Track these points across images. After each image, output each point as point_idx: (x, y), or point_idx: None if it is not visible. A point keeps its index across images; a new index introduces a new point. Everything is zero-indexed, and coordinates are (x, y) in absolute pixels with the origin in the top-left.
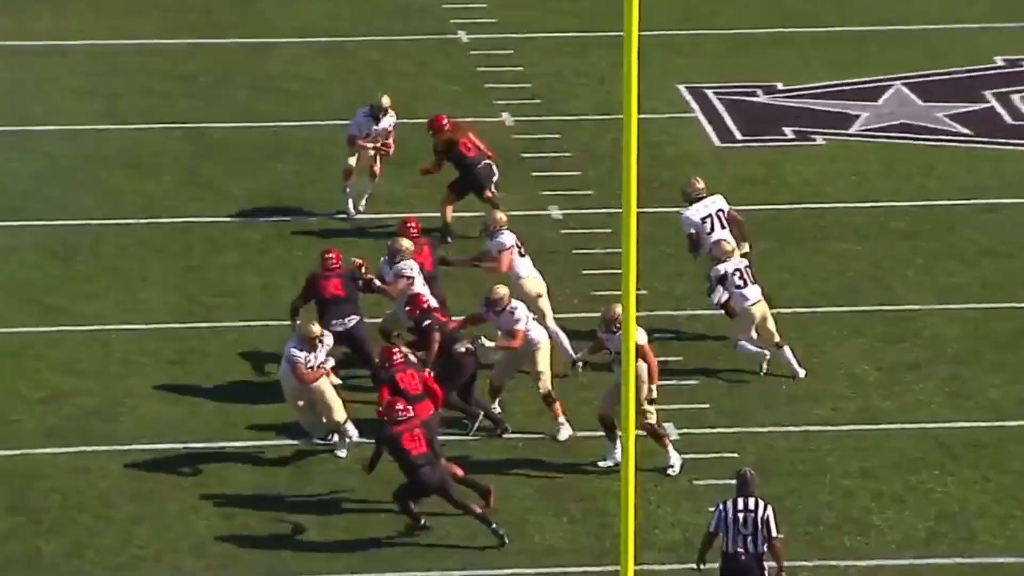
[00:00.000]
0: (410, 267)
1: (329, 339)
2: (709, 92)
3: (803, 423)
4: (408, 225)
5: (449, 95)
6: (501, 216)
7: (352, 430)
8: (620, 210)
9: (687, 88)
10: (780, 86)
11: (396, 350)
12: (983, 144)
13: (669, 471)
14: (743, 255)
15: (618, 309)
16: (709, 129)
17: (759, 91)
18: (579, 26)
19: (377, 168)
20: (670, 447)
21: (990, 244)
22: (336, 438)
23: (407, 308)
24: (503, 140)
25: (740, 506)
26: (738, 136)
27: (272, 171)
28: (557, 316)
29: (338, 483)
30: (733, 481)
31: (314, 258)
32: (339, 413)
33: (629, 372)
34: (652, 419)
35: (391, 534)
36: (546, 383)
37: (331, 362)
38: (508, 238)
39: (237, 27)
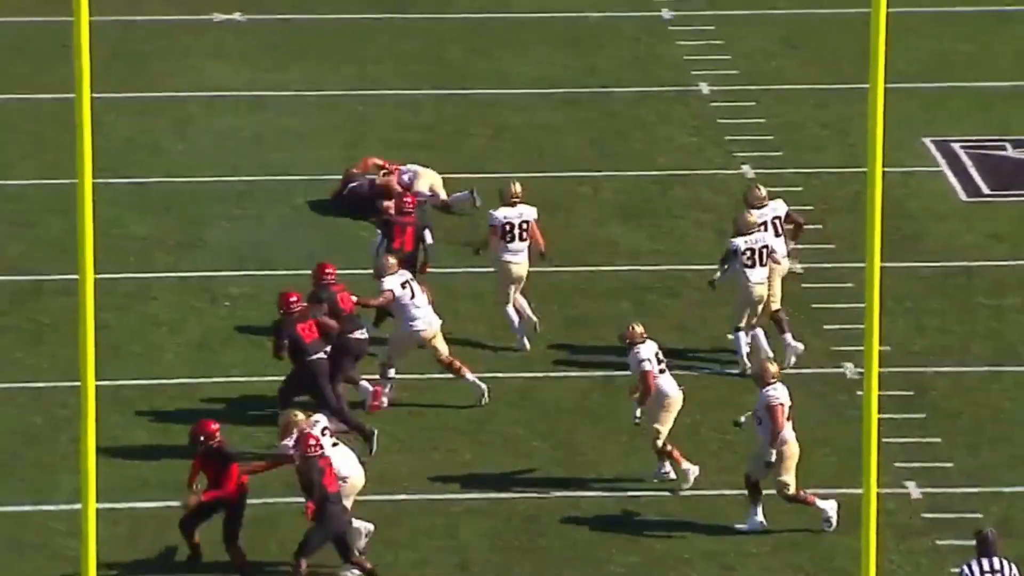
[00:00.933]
0: (389, 281)
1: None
2: (956, 146)
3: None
4: (325, 271)
5: (688, 146)
6: (516, 187)
7: None
8: (863, 264)
9: (933, 142)
10: None
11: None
12: None
13: (824, 526)
14: (788, 254)
15: (766, 365)
16: (955, 183)
17: (1009, 145)
18: (822, 77)
19: None
20: (819, 502)
21: None
22: None
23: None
24: (743, 192)
25: (986, 567)
26: (985, 191)
27: None
28: (803, 370)
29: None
30: (974, 542)
31: (553, 311)
32: None
33: (871, 427)
34: (790, 491)
35: None
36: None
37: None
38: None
39: (477, 77)
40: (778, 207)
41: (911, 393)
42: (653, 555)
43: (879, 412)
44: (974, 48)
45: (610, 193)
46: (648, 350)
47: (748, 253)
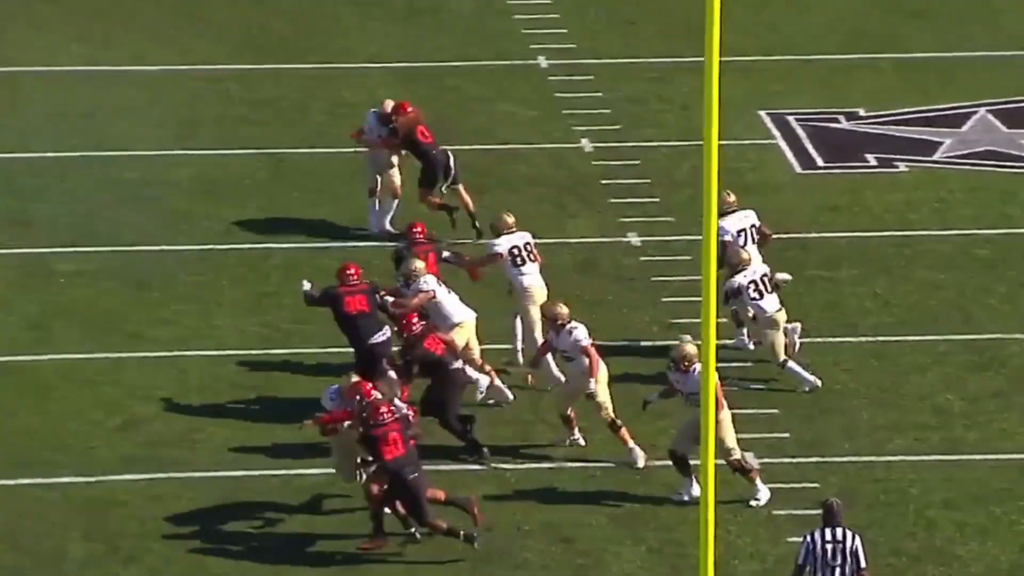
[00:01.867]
0: (427, 282)
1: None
2: (791, 119)
3: (886, 453)
4: (414, 230)
5: (527, 120)
6: (508, 218)
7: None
8: (700, 237)
9: (768, 115)
10: (862, 112)
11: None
12: None
13: (753, 503)
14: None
15: (688, 348)
16: (790, 155)
17: (841, 117)
18: (660, 52)
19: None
20: (758, 480)
21: None
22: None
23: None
24: (582, 166)
25: (828, 537)
26: (819, 163)
27: (350, 197)
28: (639, 342)
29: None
30: (813, 511)
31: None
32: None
33: (709, 400)
34: (737, 455)
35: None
36: (609, 411)
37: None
38: (504, 244)
39: (315, 52)
40: (750, 215)
41: (748, 364)
42: (491, 525)
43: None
44: (809, 23)
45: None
46: (582, 331)
47: (752, 286)
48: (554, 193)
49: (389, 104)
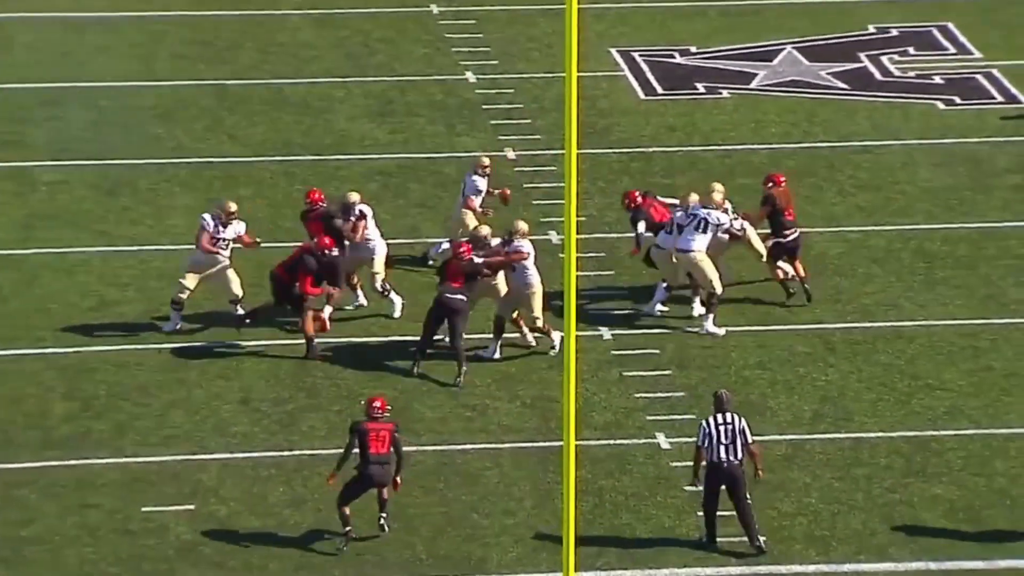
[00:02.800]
0: (524, 245)
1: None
2: (636, 55)
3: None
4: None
5: (423, 57)
6: (523, 225)
7: (396, 299)
8: (563, 151)
9: (618, 51)
10: (693, 49)
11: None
12: (858, 97)
13: (551, 352)
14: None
15: (520, 224)
16: (635, 85)
17: (676, 54)
18: (529, 1)
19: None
20: (552, 332)
21: (865, 179)
22: (240, 310)
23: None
24: (468, 95)
25: (720, 420)
26: (659, 91)
27: (278, 121)
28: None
29: (334, 373)
30: (656, 372)
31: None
32: (236, 288)
33: (570, 286)
34: (540, 323)
35: None
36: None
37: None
38: (528, 245)
39: (248, 2)
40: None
41: (603, 254)
42: (398, 388)
43: (577, 284)
44: None
45: (360, 97)
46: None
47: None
48: (445, 116)
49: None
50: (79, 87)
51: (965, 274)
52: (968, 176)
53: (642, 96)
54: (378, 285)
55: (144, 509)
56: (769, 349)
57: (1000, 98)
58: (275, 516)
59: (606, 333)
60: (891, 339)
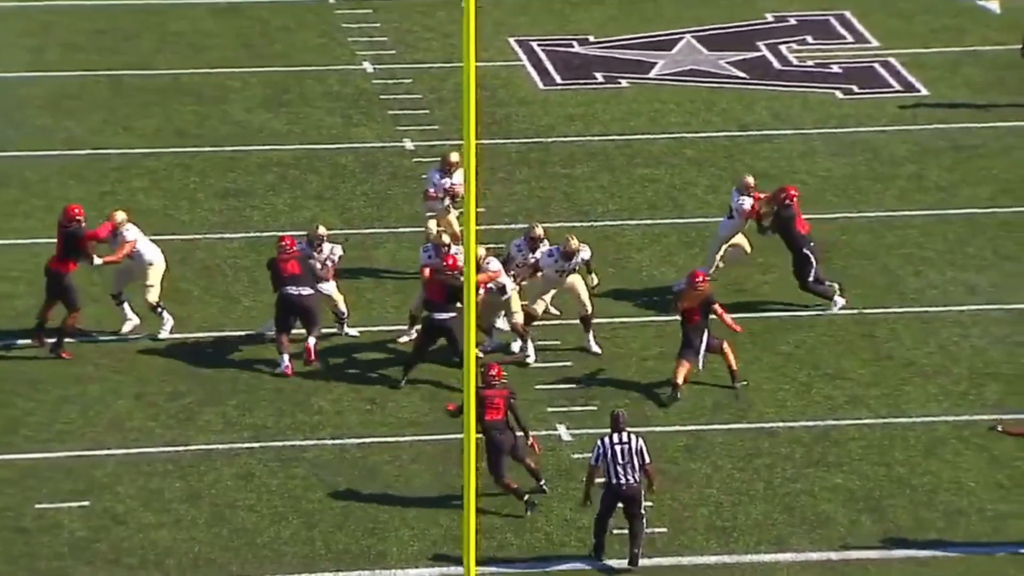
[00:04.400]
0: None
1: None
2: (534, 44)
3: (614, 315)
4: (283, 243)
5: (320, 46)
6: (538, 229)
7: (167, 318)
8: (462, 142)
9: (516, 41)
10: (592, 39)
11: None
12: (756, 86)
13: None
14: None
15: (537, 229)
16: (534, 75)
17: (575, 43)
18: None
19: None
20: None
21: (763, 167)
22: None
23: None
24: (364, 84)
25: (616, 440)
26: (558, 80)
27: (176, 110)
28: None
29: (232, 367)
30: (556, 364)
31: (210, 184)
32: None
33: (471, 279)
34: (518, 318)
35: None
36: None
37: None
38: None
39: None
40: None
41: (501, 245)
42: (295, 381)
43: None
44: None
45: (257, 87)
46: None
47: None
48: (342, 106)
49: (455, 156)
50: None
51: (864, 263)
52: (866, 165)
53: (541, 86)
54: (151, 299)
55: (37, 506)
56: (669, 339)
57: (898, 86)
58: (171, 512)
59: (505, 324)
60: (791, 329)
